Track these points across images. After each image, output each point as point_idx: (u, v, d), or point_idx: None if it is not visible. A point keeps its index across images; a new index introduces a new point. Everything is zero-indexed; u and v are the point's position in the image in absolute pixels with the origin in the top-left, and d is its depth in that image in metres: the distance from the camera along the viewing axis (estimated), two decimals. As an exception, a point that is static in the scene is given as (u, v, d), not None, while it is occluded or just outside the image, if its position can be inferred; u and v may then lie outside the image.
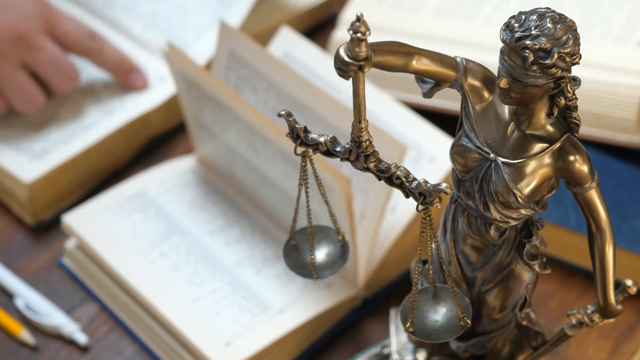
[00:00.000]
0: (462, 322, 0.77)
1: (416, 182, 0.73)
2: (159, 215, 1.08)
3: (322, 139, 0.74)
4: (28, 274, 1.08)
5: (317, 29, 1.29)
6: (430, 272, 0.78)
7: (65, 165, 1.11)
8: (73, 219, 1.07)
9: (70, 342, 1.03)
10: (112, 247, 1.05)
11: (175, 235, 1.07)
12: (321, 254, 0.83)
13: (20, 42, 1.09)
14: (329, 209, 0.81)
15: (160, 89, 1.18)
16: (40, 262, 1.09)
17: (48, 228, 1.12)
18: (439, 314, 0.78)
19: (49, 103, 1.16)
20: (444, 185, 0.71)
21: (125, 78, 1.17)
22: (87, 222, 1.07)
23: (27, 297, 1.05)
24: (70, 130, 1.14)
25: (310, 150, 0.76)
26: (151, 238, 1.06)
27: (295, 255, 0.83)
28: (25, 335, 1.03)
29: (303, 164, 0.78)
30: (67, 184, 1.13)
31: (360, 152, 0.73)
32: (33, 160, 1.11)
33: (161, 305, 1.00)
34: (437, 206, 0.72)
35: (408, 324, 0.77)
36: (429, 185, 0.72)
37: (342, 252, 0.83)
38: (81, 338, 1.03)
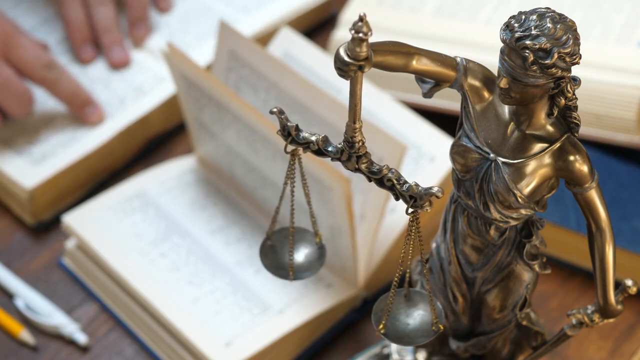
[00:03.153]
0: (434, 327, 0.77)
1: (407, 185, 0.72)
2: (159, 215, 1.08)
3: (313, 138, 0.74)
4: (28, 274, 1.08)
5: (317, 29, 1.29)
6: (407, 275, 0.78)
7: (65, 169, 1.11)
8: (73, 219, 1.07)
9: (70, 342, 1.03)
10: (112, 247, 1.05)
11: (175, 235, 1.07)
12: (299, 255, 0.83)
13: None
14: (310, 210, 0.81)
15: (159, 89, 1.18)
16: (40, 262, 1.09)
17: (48, 228, 1.12)
18: (411, 317, 0.78)
19: (48, 106, 1.16)
20: (435, 188, 0.71)
21: (80, 111, 1.14)
22: (87, 222, 1.07)
23: (27, 297, 1.05)
24: (69, 134, 1.14)
25: (300, 149, 0.75)
26: (151, 238, 1.06)
27: (272, 256, 0.83)
28: (25, 335, 1.03)
29: (291, 162, 0.78)
30: (67, 185, 1.13)
31: (352, 153, 0.73)
32: (33, 165, 1.11)
33: (161, 305, 1.00)
34: (427, 210, 0.72)
35: (381, 326, 0.77)
36: (420, 188, 0.72)
37: (320, 254, 0.83)
38: (81, 338, 1.03)
